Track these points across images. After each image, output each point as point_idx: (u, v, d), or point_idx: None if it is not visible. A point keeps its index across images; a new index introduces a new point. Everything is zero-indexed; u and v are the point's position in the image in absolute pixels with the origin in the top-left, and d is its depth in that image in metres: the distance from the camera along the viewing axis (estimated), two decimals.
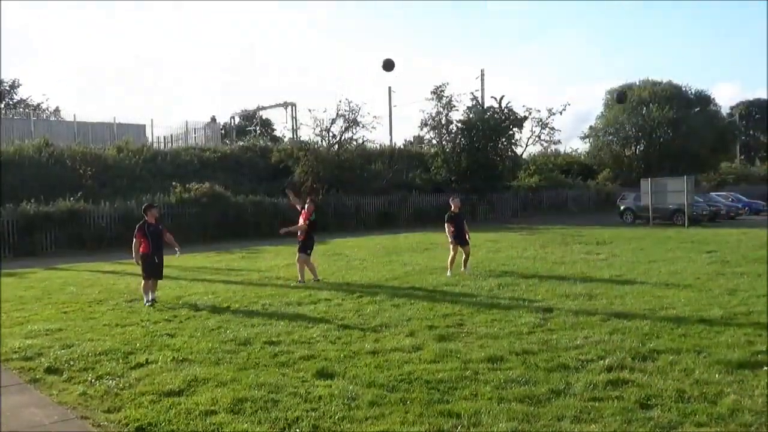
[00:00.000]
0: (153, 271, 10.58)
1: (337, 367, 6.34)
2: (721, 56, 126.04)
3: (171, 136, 43.75)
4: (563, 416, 4.85)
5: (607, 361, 6.26)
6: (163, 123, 75.64)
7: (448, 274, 12.97)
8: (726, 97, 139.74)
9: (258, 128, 56.64)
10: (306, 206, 13.00)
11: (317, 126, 33.58)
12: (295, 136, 42.62)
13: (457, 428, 4.70)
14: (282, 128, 66.04)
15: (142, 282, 10.65)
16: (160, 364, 6.67)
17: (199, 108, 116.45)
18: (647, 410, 4.95)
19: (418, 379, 5.86)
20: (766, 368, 5.87)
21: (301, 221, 12.89)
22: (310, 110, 35.28)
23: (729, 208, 35.15)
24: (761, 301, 9.14)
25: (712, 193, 40.45)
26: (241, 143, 41.38)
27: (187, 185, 27.26)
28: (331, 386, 5.72)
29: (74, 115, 39.12)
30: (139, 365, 6.67)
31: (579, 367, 6.13)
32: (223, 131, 52.97)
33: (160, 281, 10.97)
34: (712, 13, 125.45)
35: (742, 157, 77.22)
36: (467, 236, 13.82)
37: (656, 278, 11.77)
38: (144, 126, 41.54)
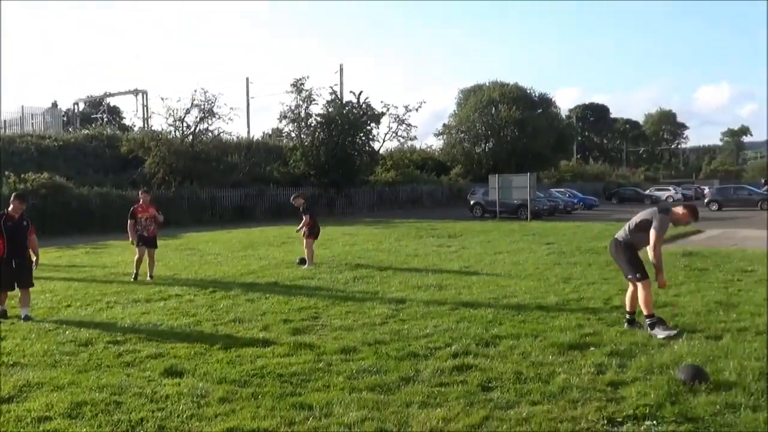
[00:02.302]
0: (7, 281, 8.56)
1: (186, 365, 6.13)
2: (565, 62, 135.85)
3: (4, 121, 40.06)
4: (411, 402, 5.03)
5: (453, 348, 6.55)
6: None
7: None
8: (568, 100, 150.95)
9: (105, 116, 53.36)
10: (143, 198, 12.29)
11: (170, 115, 32.31)
12: (146, 126, 40.69)
13: (308, 420, 4.72)
14: (132, 117, 62.75)
15: None
16: None
17: (38, 92, 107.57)
18: (488, 392, 5.24)
19: (270, 373, 5.82)
20: (592, 348, 6.42)
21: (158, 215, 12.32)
22: (162, 99, 33.93)
23: (566, 203, 38.12)
24: (591, 289, 9.98)
25: (552, 189, 43.63)
26: (86, 131, 38.80)
27: (22, 175, 25.17)
28: (179, 384, 5.53)
29: None
30: None
31: (428, 355, 6.37)
32: (65, 118, 49.47)
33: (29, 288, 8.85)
34: (561, 19, 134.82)
35: (578, 156, 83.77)
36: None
37: (501, 269, 12.48)
38: None
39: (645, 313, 7.01)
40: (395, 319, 8.08)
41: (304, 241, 13.57)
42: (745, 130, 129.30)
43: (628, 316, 7.35)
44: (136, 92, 48.78)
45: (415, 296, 9.60)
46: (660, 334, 6.76)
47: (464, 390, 5.28)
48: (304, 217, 13.65)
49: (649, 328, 6.92)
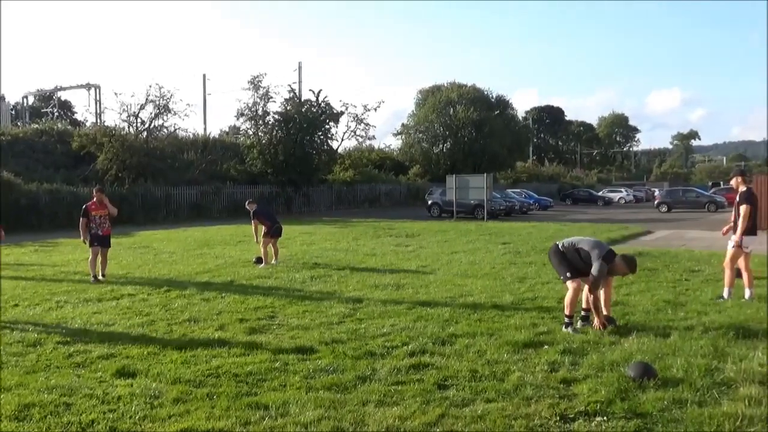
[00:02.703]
0: None
1: (139, 365, 6.02)
2: (521, 64, 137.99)
3: None
4: (368, 401, 5.04)
5: (410, 346, 6.58)
6: None
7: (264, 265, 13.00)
8: (525, 102, 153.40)
9: (56, 110, 51.95)
10: (96, 196, 11.85)
11: (124, 111, 31.65)
12: (98, 121, 39.81)
13: (264, 420, 4.69)
14: (84, 112, 61.35)
15: None
16: None
17: None
18: (444, 390, 5.29)
19: (226, 373, 5.76)
20: (546, 347, 6.54)
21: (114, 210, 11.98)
22: (116, 93, 33.31)
23: (522, 203, 38.63)
24: (545, 288, 10.15)
25: (508, 190, 44.19)
26: (36, 126, 37.72)
27: None
28: (132, 385, 5.43)
29: None
30: None
31: (384, 354, 6.38)
32: (13, 112, 48.03)
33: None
34: (520, 23, 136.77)
35: (534, 157, 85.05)
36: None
37: (457, 268, 12.59)
38: None
39: (565, 312, 7.26)
40: (352, 318, 8.08)
41: (261, 240, 13.55)
42: (694, 134, 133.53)
43: (583, 313, 7.51)
44: (88, 86, 47.68)
45: (372, 295, 9.61)
46: (565, 328, 7.16)
47: (420, 388, 5.31)
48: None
49: (563, 326, 7.23)
